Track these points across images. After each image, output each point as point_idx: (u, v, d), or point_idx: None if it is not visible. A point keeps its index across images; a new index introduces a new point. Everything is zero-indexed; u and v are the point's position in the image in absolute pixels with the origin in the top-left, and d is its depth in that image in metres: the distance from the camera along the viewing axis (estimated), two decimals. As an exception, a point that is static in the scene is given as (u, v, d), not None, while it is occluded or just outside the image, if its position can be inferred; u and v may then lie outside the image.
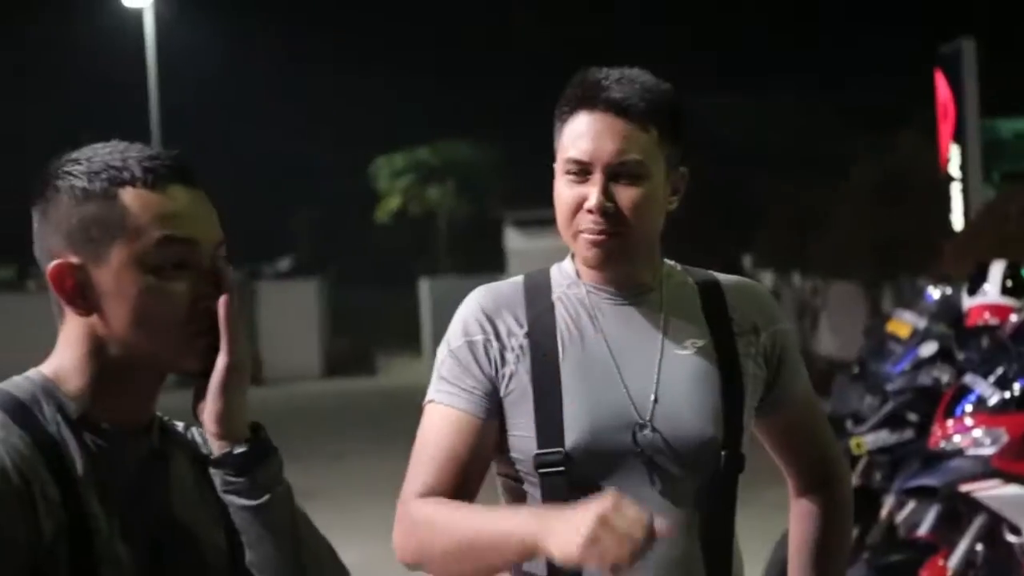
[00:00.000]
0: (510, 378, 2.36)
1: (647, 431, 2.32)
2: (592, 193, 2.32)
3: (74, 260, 1.77)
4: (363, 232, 36.93)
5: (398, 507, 2.39)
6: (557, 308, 2.41)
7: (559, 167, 2.38)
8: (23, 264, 29.47)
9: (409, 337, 29.43)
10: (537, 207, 30.16)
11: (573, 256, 2.45)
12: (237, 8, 39.77)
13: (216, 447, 1.81)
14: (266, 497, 1.80)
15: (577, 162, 2.34)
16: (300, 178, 38.24)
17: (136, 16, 28.43)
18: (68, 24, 38.96)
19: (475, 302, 2.44)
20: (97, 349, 1.79)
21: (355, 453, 13.72)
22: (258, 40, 40.16)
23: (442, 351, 2.43)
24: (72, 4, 38.33)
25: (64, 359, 1.81)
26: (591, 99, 2.34)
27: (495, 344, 2.38)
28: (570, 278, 2.44)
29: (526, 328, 2.39)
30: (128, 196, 1.76)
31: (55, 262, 1.78)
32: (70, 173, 1.78)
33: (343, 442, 14.48)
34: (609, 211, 2.31)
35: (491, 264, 29.89)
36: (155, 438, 1.87)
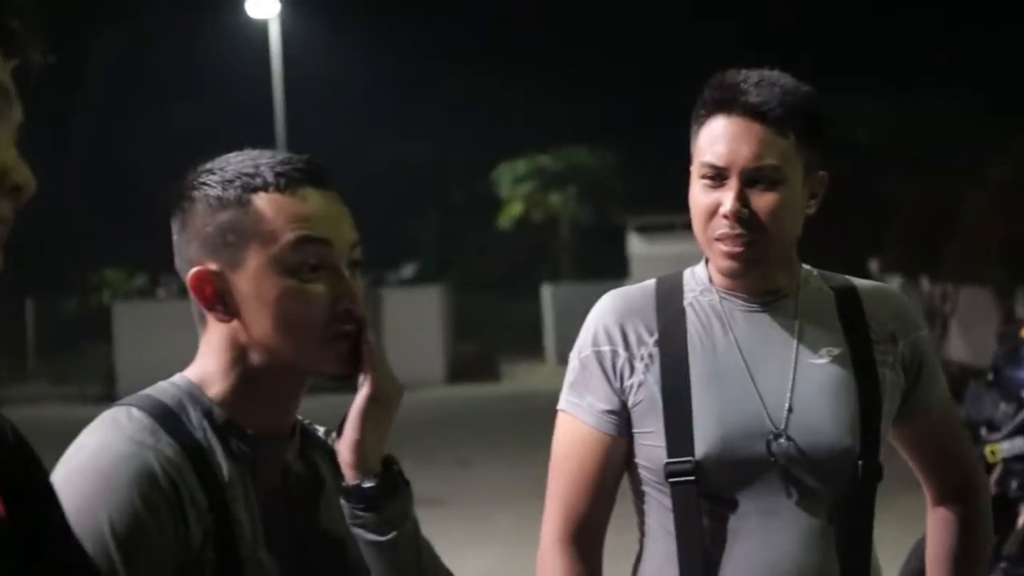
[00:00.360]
0: (638, 387, 2.34)
1: (782, 440, 2.28)
2: (728, 199, 2.28)
3: (212, 267, 1.79)
4: (485, 238, 37.06)
5: (542, 540, 2.41)
6: (688, 314, 2.38)
7: (695, 171, 2.35)
8: (154, 273, 30.04)
9: (532, 343, 29.47)
10: (660, 212, 30.06)
11: (707, 261, 2.41)
12: (361, 16, 40.19)
13: (347, 477, 1.81)
14: (392, 535, 1.80)
15: (713, 166, 2.30)
16: (423, 185, 38.50)
17: (262, 27, 28.86)
18: (194, 37, 39.67)
19: (605, 309, 2.41)
20: (239, 355, 1.80)
21: (482, 459, 13.75)
22: (381, 48, 40.53)
23: (573, 357, 2.43)
24: (198, 17, 39.02)
25: (207, 365, 1.82)
26: (728, 102, 2.30)
27: (623, 354, 2.35)
28: (703, 283, 2.41)
29: (656, 336, 2.36)
30: (261, 201, 1.78)
31: (194, 269, 1.80)
32: (205, 183, 1.81)
33: (470, 448, 14.53)
34: (744, 217, 2.28)
35: (614, 270, 29.82)
36: (297, 443, 1.88)
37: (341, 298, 1.79)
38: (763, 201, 2.29)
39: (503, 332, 30.84)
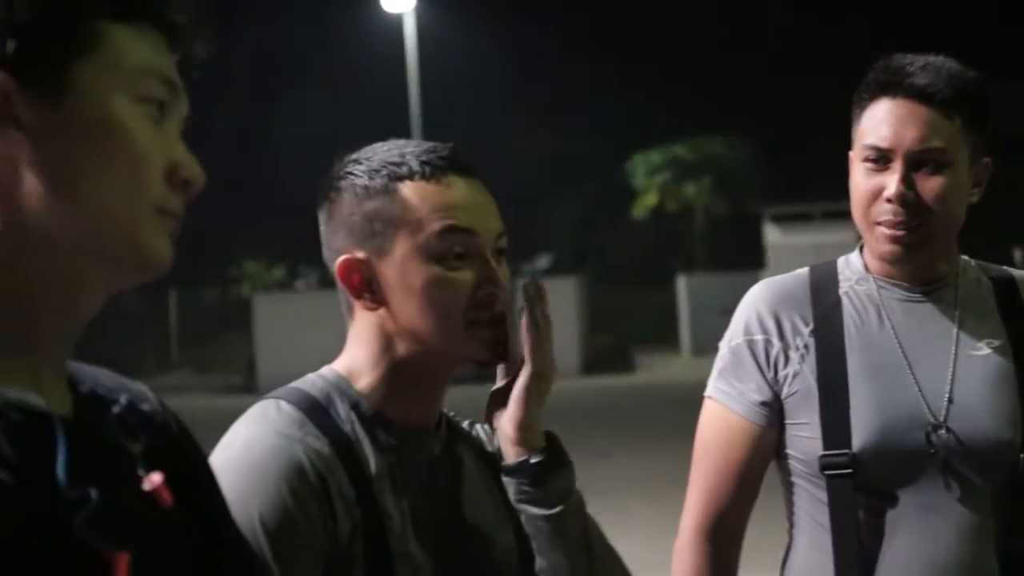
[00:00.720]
0: (793, 378, 2.31)
1: (942, 432, 2.23)
2: (892, 182, 2.24)
3: (360, 255, 1.81)
4: (620, 229, 36.96)
5: (681, 530, 2.40)
6: (844, 304, 2.34)
7: (856, 154, 2.30)
8: (293, 265, 30.49)
9: (667, 334, 29.34)
10: (796, 202, 29.74)
11: (861, 248, 2.37)
12: (496, 7, 40.33)
13: (512, 454, 1.82)
14: (559, 508, 1.81)
15: (876, 149, 2.26)
16: (557, 176, 38.50)
17: (397, 21, 29.11)
18: (331, 31, 40.14)
19: (758, 297, 2.38)
20: (387, 344, 1.81)
21: (620, 451, 13.73)
22: (515, 39, 40.64)
23: (723, 345, 2.40)
24: (335, 12, 39.48)
25: (356, 356, 1.84)
26: (894, 85, 2.26)
27: (777, 344, 2.33)
28: (858, 272, 2.37)
29: (811, 326, 2.32)
30: (407, 189, 1.80)
31: (342, 257, 1.82)
32: (351, 173, 1.83)
33: (607, 440, 14.51)
34: (909, 201, 2.23)
35: (749, 260, 29.57)
36: (443, 435, 1.89)
37: (486, 285, 1.80)
38: (929, 185, 2.24)
39: (637, 323, 30.75)
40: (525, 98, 40.57)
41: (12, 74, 1.11)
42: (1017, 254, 20.89)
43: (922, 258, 2.29)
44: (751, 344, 2.35)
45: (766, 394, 2.33)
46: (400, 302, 1.79)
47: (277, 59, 40.44)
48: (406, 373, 1.81)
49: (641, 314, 31.56)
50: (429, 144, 1.85)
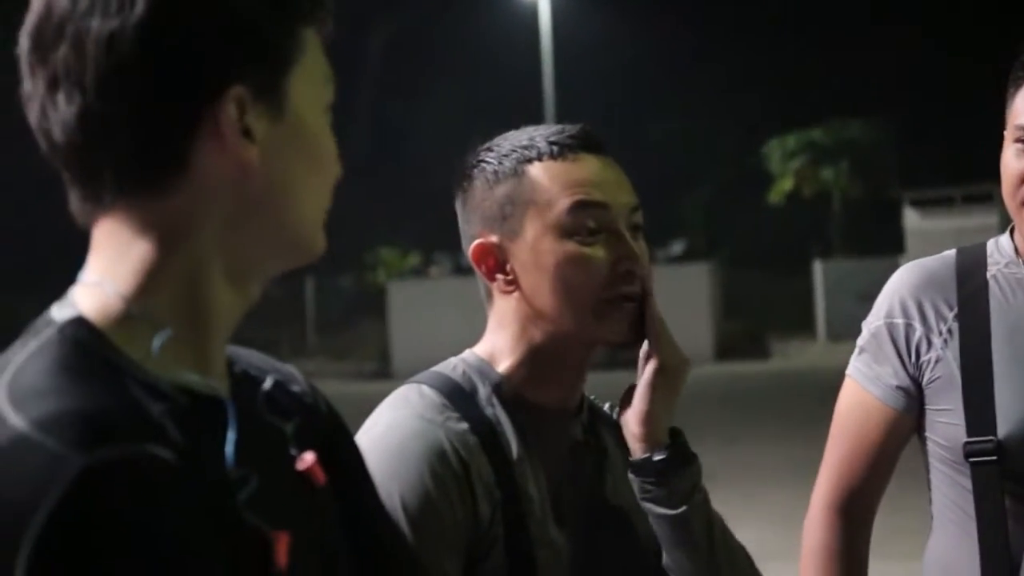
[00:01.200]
0: (935, 363, 2.27)
1: None
2: None
3: (493, 239, 1.81)
4: (755, 214, 36.61)
5: (812, 504, 2.39)
6: (992, 287, 2.28)
7: (1008, 135, 2.25)
8: (428, 252, 30.70)
9: (803, 320, 29.02)
10: (936, 186, 29.19)
11: (1012, 231, 2.32)
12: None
13: (636, 450, 1.81)
14: (683, 508, 1.80)
15: None
16: (692, 161, 38.28)
17: (532, 5, 29.18)
18: (467, 17, 40.33)
19: (902, 281, 2.34)
20: (524, 327, 1.81)
21: (750, 437, 13.64)
22: (650, 23, 40.46)
23: (865, 326, 2.37)
24: (468, 1, 39.67)
25: (496, 340, 1.84)
26: None
27: (919, 328, 2.29)
28: (1008, 255, 2.31)
29: (956, 310, 2.27)
30: (536, 170, 1.80)
31: (476, 242, 1.83)
32: (483, 160, 1.84)
33: (737, 426, 14.43)
34: None
35: (888, 246, 29.12)
36: (584, 418, 1.88)
37: (622, 260, 1.78)
38: None
39: (772, 309, 30.45)
40: (660, 84, 40.37)
41: (247, 86, 1.14)
42: None
43: None
44: (892, 327, 2.31)
45: (903, 379, 2.30)
46: (533, 283, 1.79)
47: (412, 47, 40.75)
48: (544, 356, 1.81)
49: (776, 300, 31.24)
50: (559, 126, 1.85)
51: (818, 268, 29.02)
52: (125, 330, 1.13)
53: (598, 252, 1.77)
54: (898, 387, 2.31)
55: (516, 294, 1.81)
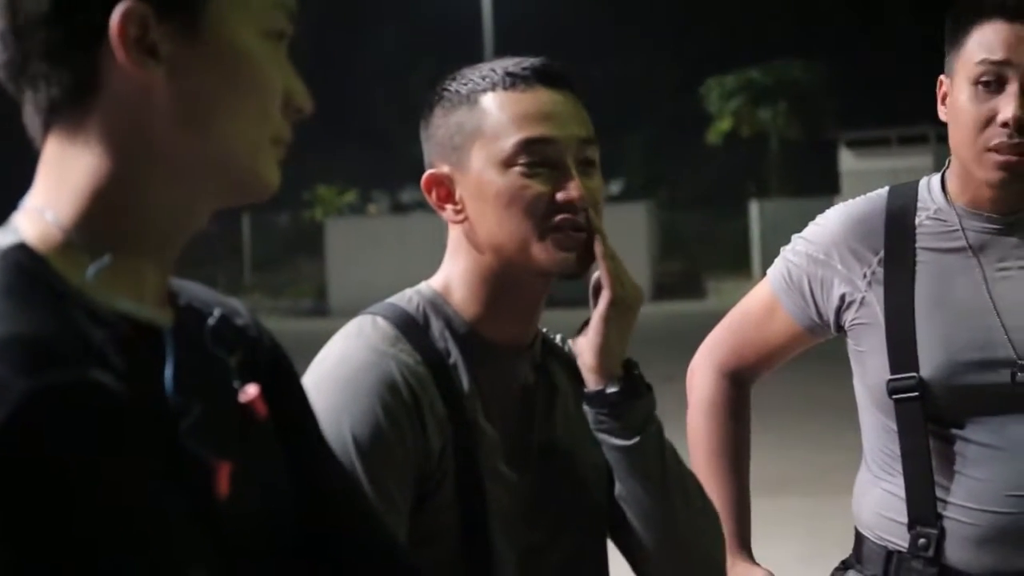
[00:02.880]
0: (860, 306, 2.30)
1: None
2: (1008, 105, 2.17)
3: (444, 169, 1.81)
4: (693, 154, 36.74)
5: (700, 351, 2.56)
6: (919, 234, 2.30)
7: (962, 77, 2.23)
8: (365, 190, 30.60)
9: (739, 260, 29.22)
10: (872, 127, 29.39)
11: (943, 176, 2.33)
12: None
13: (591, 382, 1.82)
14: (636, 439, 1.82)
15: (992, 64, 2.19)
16: (630, 101, 38.27)
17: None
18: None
19: (832, 220, 2.37)
20: (476, 258, 1.81)
21: (685, 375, 13.76)
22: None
23: (796, 239, 2.41)
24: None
25: (450, 271, 1.84)
26: (1006, 7, 2.19)
27: (841, 271, 2.31)
28: (939, 201, 2.31)
29: (881, 254, 2.30)
30: (488, 100, 1.79)
31: (427, 172, 1.82)
32: (445, 88, 1.83)
33: (674, 364, 14.49)
34: None
35: (823, 186, 29.31)
36: (537, 354, 1.88)
37: (562, 190, 1.77)
38: None
39: (710, 249, 30.65)
40: (599, 23, 40.26)
41: (151, 5, 1.13)
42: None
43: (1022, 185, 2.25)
44: (812, 260, 2.35)
45: (812, 307, 2.36)
46: (479, 213, 1.78)
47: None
48: (495, 288, 1.81)
49: (713, 240, 31.44)
50: (518, 59, 1.83)
51: (754, 208, 29.21)
52: (65, 257, 1.13)
53: (540, 183, 1.76)
54: (807, 312, 2.37)
55: (466, 224, 1.80)
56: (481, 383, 1.79)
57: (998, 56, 2.19)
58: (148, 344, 1.14)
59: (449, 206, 1.81)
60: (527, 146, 1.76)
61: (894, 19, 37.00)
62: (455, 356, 1.79)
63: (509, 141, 1.77)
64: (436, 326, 1.80)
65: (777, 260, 2.42)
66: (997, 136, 2.19)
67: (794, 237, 2.42)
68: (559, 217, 1.76)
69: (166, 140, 1.15)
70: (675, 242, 30.27)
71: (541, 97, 1.79)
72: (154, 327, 1.16)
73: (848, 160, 29.56)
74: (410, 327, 1.78)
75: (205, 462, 1.13)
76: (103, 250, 1.14)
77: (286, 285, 29.89)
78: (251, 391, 1.23)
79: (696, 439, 2.50)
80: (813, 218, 2.43)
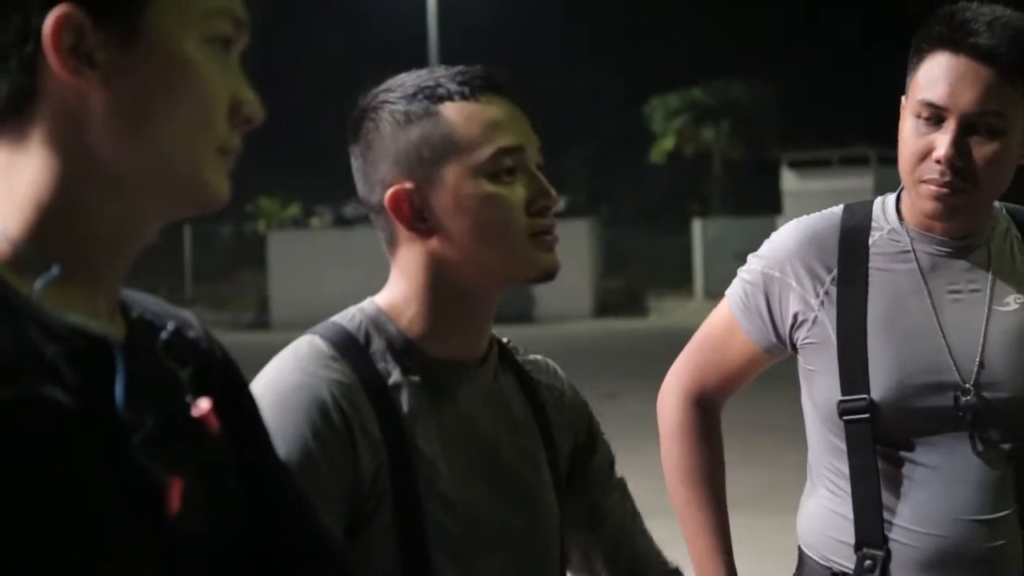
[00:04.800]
0: (812, 324, 2.30)
1: (971, 397, 2.21)
2: (943, 143, 2.17)
3: (408, 185, 1.76)
4: (636, 172, 36.89)
5: (668, 378, 2.52)
6: (873, 254, 2.30)
7: (909, 107, 2.24)
8: (308, 203, 30.50)
9: (681, 278, 29.35)
10: (815, 147, 29.63)
11: (899, 196, 2.33)
12: (514, -51, 40.04)
13: None
14: None
15: (931, 105, 2.18)
16: (574, 118, 38.38)
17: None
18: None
19: (788, 237, 2.36)
20: (437, 275, 1.78)
21: (629, 392, 13.76)
22: (534, -19, 40.39)
23: (751, 259, 2.40)
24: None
25: (399, 289, 1.80)
26: (956, 41, 2.17)
27: (796, 288, 2.31)
28: (892, 222, 2.32)
29: (834, 273, 2.30)
30: (450, 111, 1.76)
31: (391, 189, 1.76)
32: (386, 101, 1.78)
33: (616, 381, 14.57)
34: (958, 165, 2.17)
35: (766, 205, 29.52)
36: (491, 369, 1.86)
37: (537, 198, 1.77)
38: (980, 152, 2.18)
39: (652, 267, 30.77)
40: (543, 38, 40.37)
41: (88, 12, 1.11)
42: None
43: (963, 218, 2.25)
44: (767, 278, 2.35)
45: (770, 327, 2.35)
46: (455, 227, 1.75)
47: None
48: (451, 305, 1.78)
49: (655, 258, 31.56)
50: (457, 68, 1.82)
51: (697, 227, 29.35)
52: (15, 269, 1.11)
53: (516, 191, 1.76)
54: (764, 331, 2.37)
55: (432, 240, 1.77)
56: (422, 404, 1.76)
57: (936, 99, 2.18)
58: (100, 358, 1.12)
59: (418, 223, 1.77)
60: (503, 155, 1.76)
61: (837, 42, 37.33)
62: (396, 376, 1.76)
63: (485, 151, 1.75)
64: (378, 345, 1.77)
65: (734, 281, 2.42)
66: (930, 171, 2.19)
67: (749, 256, 2.42)
68: (541, 222, 1.77)
69: (105, 149, 1.13)
70: (617, 259, 30.35)
71: (500, 106, 1.79)
72: (106, 341, 1.14)
73: (790, 180, 29.78)
74: (349, 346, 1.75)
75: (156, 478, 1.11)
76: (51, 262, 1.12)
77: (228, 298, 29.73)
78: (203, 405, 1.21)
79: (669, 464, 2.50)
80: (755, 237, 2.44)
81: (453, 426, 1.78)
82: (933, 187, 2.19)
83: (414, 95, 1.77)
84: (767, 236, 2.42)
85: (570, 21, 40.52)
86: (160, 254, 28.90)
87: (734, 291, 2.41)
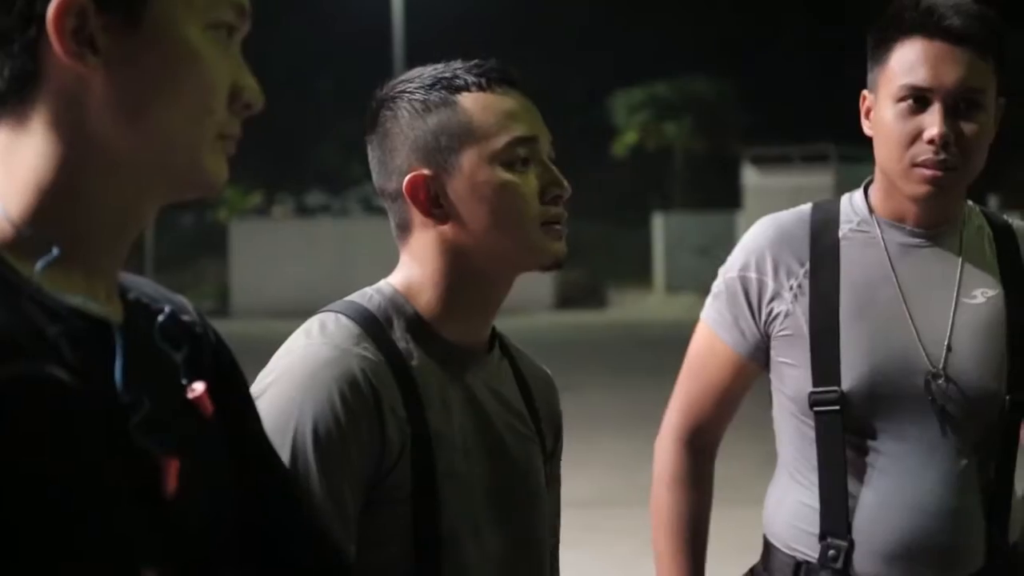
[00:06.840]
0: (785, 317, 2.33)
1: (941, 381, 2.26)
2: (934, 123, 2.22)
3: (426, 171, 1.81)
4: (598, 166, 36.91)
5: (664, 420, 2.49)
6: (843, 246, 2.34)
7: (885, 95, 2.28)
8: (270, 192, 30.38)
9: (641, 272, 29.41)
10: (775, 144, 29.72)
11: (866, 189, 2.38)
12: (479, -60, 39.97)
13: None
14: None
15: (915, 88, 2.24)
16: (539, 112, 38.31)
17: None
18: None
19: (758, 235, 2.40)
20: (451, 260, 1.83)
21: (587, 385, 13.82)
22: (499, -27, 40.35)
23: (721, 274, 2.43)
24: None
25: (413, 273, 1.85)
26: (927, 26, 2.24)
27: (770, 284, 2.35)
28: (862, 214, 2.37)
29: (807, 266, 2.33)
30: (468, 101, 1.83)
31: (409, 176, 1.81)
32: (404, 91, 1.84)
33: (575, 374, 14.58)
34: (950, 143, 2.22)
35: (726, 201, 29.59)
36: (496, 354, 1.92)
37: (550, 187, 1.84)
38: (967, 127, 2.24)
39: (612, 260, 30.81)
40: (507, 32, 40.34)
41: None
42: (992, 201, 20.98)
43: (948, 198, 2.30)
44: (745, 281, 2.37)
45: (752, 330, 2.37)
46: (470, 213, 1.81)
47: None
48: (467, 290, 1.84)
49: (616, 251, 31.60)
50: (474, 61, 1.88)
51: (658, 221, 29.42)
52: (16, 250, 1.12)
53: (530, 180, 1.83)
54: (746, 337, 2.38)
55: (447, 225, 1.82)
56: (441, 384, 1.81)
57: (919, 81, 2.23)
58: (99, 339, 1.14)
59: (434, 209, 1.82)
60: (518, 144, 1.82)
61: (798, 39, 37.46)
62: (417, 357, 1.80)
63: (501, 140, 1.81)
64: (398, 326, 1.82)
65: (708, 299, 2.45)
66: (924, 152, 2.24)
67: (720, 270, 2.45)
68: (553, 210, 1.84)
69: (106, 134, 1.15)
70: (578, 252, 30.25)
71: (515, 98, 1.86)
72: (105, 322, 1.16)
73: (751, 176, 29.85)
74: (372, 326, 1.80)
75: (154, 458, 1.13)
76: (52, 244, 1.13)
77: (188, 286, 29.55)
78: (198, 388, 1.24)
79: (658, 512, 2.50)
80: (715, 232, 2.49)
81: (464, 407, 1.83)
82: (928, 169, 2.24)
83: (432, 85, 1.83)
84: (727, 231, 2.46)
85: (534, 14, 40.51)
86: (120, 241, 28.72)
87: (709, 307, 2.44)
